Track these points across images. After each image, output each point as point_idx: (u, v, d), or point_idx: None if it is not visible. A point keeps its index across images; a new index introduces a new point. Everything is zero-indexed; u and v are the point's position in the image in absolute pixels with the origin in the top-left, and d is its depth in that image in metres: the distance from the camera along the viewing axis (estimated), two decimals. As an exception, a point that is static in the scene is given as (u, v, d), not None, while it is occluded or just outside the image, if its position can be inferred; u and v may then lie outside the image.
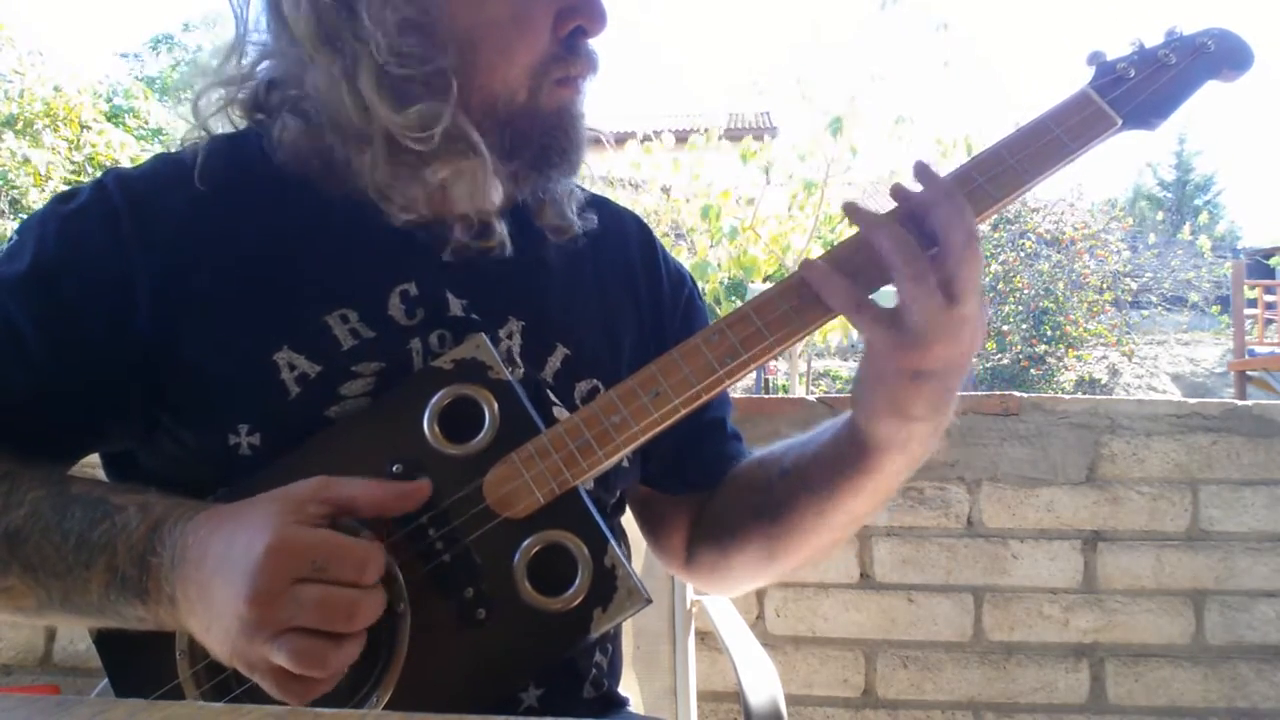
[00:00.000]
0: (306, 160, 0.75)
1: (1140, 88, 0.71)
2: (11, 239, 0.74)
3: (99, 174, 0.79)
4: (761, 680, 1.04)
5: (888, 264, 0.64)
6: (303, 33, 0.72)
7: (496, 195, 0.75)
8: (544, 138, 0.75)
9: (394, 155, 0.72)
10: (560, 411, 0.77)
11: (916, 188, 0.67)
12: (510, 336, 0.78)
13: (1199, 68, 0.72)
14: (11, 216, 8.92)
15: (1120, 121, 0.70)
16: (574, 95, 0.76)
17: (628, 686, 1.32)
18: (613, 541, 0.65)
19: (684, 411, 0.67)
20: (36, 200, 8.76)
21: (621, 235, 0.93)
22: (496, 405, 0.67)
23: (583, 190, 0.91)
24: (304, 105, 0.75)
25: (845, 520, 0.77)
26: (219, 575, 0.57)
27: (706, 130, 7.01)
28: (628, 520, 0.94)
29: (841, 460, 0.73)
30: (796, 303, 0.67)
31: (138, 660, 0.67)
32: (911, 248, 0.63)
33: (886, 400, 0.67)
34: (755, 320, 0.67)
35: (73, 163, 9.53)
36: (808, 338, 0.79)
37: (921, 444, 0.70)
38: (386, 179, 0.73)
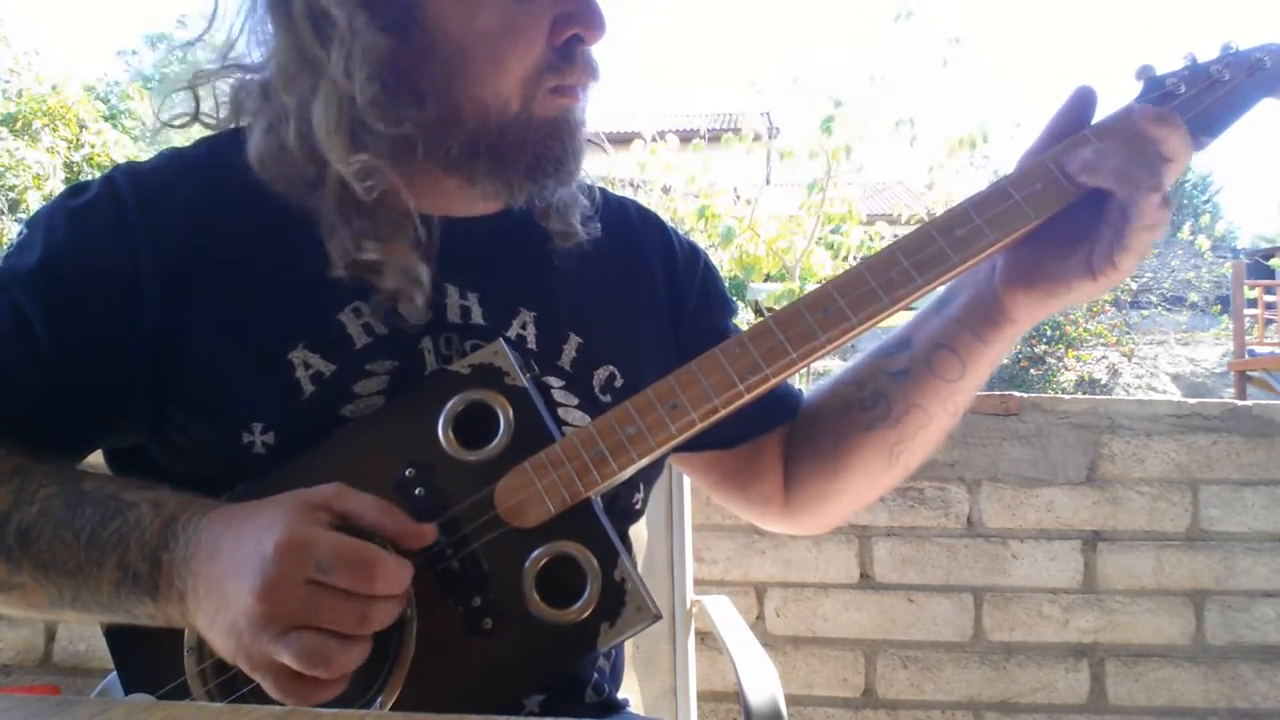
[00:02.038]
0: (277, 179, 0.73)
1: (1189, 104, 0.69)
2: (21, 233, 0.74)
3: (98, 173, 0.79)
4: (761, 680, 1.04)
5: (1160, 151, 0.65)
6: (278, 60, 0.72)
7: (424, 279, 0.73)
8: (537, 147, 0.73)
9: (342, 204, 0.71)
10: (571, 414, 0.77)
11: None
12: (525, 328, 0.78)
13: (1254, 84, 0.69)
14: (10, 216, 8.91)
15: None
16: (571, 104, 0.74)
17: (628, 687, 1.32)
18: (623, 555, 0.64)
19: (700, 426, 0.65)
20: (35, 200, 8.75)
21: (624, 220, 0.92)
22: (512, 412, 0.66)
23: (588, 187, 0.90)
24: (277, 125, 0.74)
25: (966, 401, 0.81)
26: (230, 571, 0.57)
27: (707, 132, 7.01)
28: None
29: (979, 339, 0.76)
30: (821, 317, 0.66)
31: (146, 655, 0.67)
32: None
33: (1137, 246, 0.67)
34: (778, 334, 0.66)
35: (71, 162, 9.52)
36: None
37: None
38: (330, 225, 0.72)
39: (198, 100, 0.78)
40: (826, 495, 0.89)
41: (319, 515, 0.58)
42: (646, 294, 0.88)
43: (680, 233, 0.96)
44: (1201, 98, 0.69)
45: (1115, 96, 0.72)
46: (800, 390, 0.95)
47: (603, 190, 0.95)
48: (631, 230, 0.92)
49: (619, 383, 0.81)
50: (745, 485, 0.95)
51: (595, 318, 0.82)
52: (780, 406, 0.92)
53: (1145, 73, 0.71)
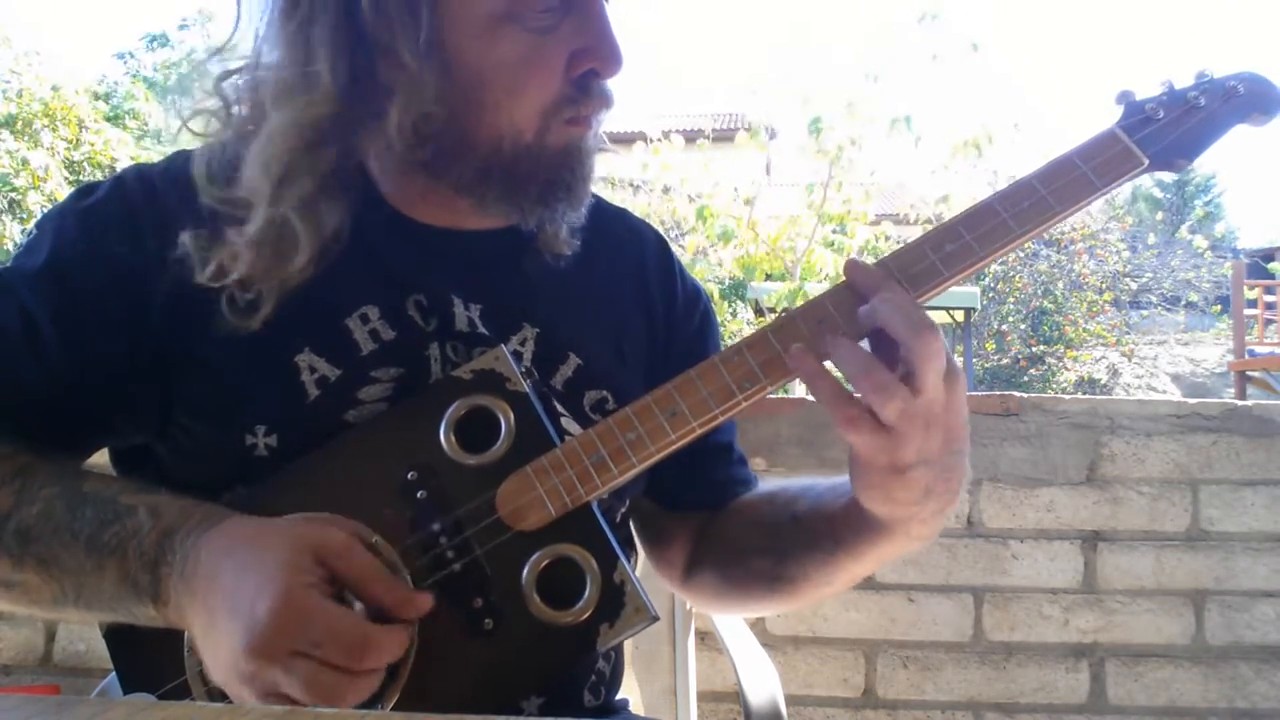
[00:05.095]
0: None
1: (1168, 129, 0.71)
2: (30, 233, 0.74)
3: (99, 172, 0.79)
4: (761, 680, 1.04)
5: (847, 376, 0.63)
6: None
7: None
8: (549, 174, 0.74)
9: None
10: (569, 423, 0.77)
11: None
12: (524, 344, 0.78)
13: (1228, 111, 0.71)
14: (11, 217, 8.92)
15: (1147, 161, 0.70)
16: (584, 132, 0.75)
17: (628, 687, 1.32)
18: (623, 558, 0.65)
19: (699, 432, 0.66)
20: (36, 201, 8.76)
21: (639, 249, 0.92)
22: (513, 417, 0.67)
23: (605, 203, 0.91)
24: None
25: (848, 579, 0.77)
26: (225, 610, 0.58)
27: (712, 131, 7.00)
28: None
29: (846, 527, 0.72)
30: (816, 328, 0.67)
31: (145, 655, 0.67)
32: (863, 361, 0.62)
33: (876, 491, 0.65)
34: (774, 344, 0.66)
35: (71, 163, 9.53)
36: None
37: (926, 523, 0.68)
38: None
39: (226, 101, 0.76)
40: (717, 594, 0.89)
41: (319, 572, 0.58)
42: (642, 324, 0.89)
43: (687, 272, 0.95)
44: (1180, 122, 0.71)
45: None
46: (744, 482, 0.91)
47: (624, 212, 0.95)
48: (643, 259, 0.92)
49: (610, 406, 0.80)
50: (654, 541, 0.94)
51: (594, 340, 0.82)
52: (705, 493, 0.90)
53: (1125, 98, 0.73)
